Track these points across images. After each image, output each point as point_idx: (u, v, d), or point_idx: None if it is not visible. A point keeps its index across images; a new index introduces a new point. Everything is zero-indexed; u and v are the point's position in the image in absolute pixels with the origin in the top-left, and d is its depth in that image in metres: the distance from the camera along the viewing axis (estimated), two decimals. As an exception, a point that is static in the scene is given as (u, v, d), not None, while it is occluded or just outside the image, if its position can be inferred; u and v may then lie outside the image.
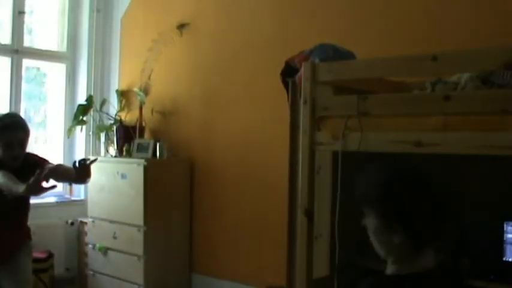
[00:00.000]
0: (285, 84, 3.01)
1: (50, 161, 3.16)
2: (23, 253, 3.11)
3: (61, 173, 3.02)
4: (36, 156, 3.17)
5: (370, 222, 1.59)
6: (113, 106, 5.31)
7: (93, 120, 5.27)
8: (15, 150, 2.90)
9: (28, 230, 3.22)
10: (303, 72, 2.64)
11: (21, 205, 3.01)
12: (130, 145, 4.78)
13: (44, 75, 5.51)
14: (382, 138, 2.41)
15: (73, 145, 5.42)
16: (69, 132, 5.16)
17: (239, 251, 4.39)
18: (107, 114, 5.29)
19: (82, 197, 5.31)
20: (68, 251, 5.08)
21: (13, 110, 4.80)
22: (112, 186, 4.60)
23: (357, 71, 2.59)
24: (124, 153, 4.80)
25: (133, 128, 4.89)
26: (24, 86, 5.10)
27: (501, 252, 2.77)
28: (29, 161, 3.04)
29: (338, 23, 3.83)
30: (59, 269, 4.86)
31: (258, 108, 4.27)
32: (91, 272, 4.82)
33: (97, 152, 5.34)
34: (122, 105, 5.24)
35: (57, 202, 5.08)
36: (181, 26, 4.80)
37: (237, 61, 4.45)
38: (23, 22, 5.03)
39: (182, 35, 4.81)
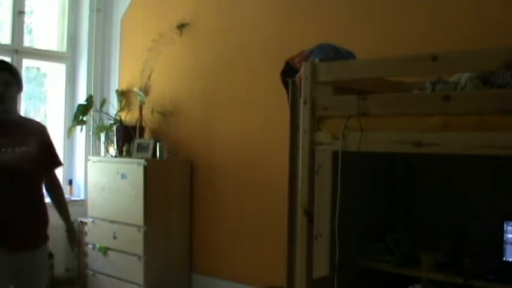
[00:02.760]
0: (285, 84, 3.01)
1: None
2: (42, 258, 2.80)
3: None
4: (40, 125, 2.93)
5: None
6: (113, 106, 5.31)
7: (93, 120, 5.27)
8: None
9: (46, 221, 2.81)
10: (303, 72, 2.63)
11: (24, 183, 2.65)
12: (130, 145, 4.78)
13: (44, 75, 5.51)
14: (382, 138, 2.41)
15: (73, 145, 5.43)
16: (69, 132, 5.16)
17: (239, 251, 4.38)
18: (107, 114, 5.29)
19: (82, 197, 5.31)
20: (68, 251, 5.05)
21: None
22: (112, 186, 4.60)
23: (357, 71, 2.59)
24: (124, 153, 4.80)
25: (134, 128, 4.89)
26: (24, 86, 5.08)
27: (501, 252, 2.77)
28: (28, 121, 2.87)
29: (338, 23, 3.83)
30: (59, 269, 4.86)
31: (258, 108, 4.27)
32: (91, 272, 4.82)
33: (97, 152, 5.34)
34: (122, 105, 5.24)
35: (57, 202, 5.07)
36: (181, 26, 4.80)
37: (237, 61, 4.45)
38: (23, 22, 5.03)
39: (182, 35, 4.81)
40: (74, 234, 2.98)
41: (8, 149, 2.59)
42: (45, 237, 2.82)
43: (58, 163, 2.95)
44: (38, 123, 2.99)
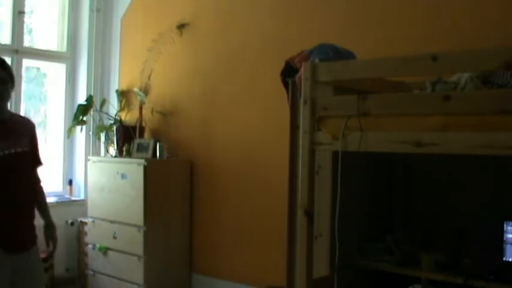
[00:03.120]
0: (285, 84, 3.01)
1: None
2: (38, 256, 2.84)
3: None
4: (31, 123, 2.92)
5: None
6: (113, 106, 5.31)
7: (93, 120, 5.27)
8: None
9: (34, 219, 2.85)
10: (303, 72, 2.64)
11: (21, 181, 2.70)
12: (130, 145, 4.78)
13: (44, 75, 5.51)
14: (382, 138, 2.42)
15: (73, 145, 5.42)
16: (69, 132, 5.16)
17: (239, 251, 4.38)
18: (107, 114, 5.29)
19: (82, 197, 5.31)
20: (68, 251, 5.08)
21: (13, 110, 4.77)
22: (112, 186, 4.60)
23: (357, 71, 2.59)
24: (124, 153, 4.80)
25: (134, 128, 4.89)
26: (24, 86, 5.11)
27: (501, 252, 2.77)
28: (20, 119, 2.87)
29: (338, 23, 3.83)
30: (59, 269, 4.86)
31: (258, 108, 4.27)
32: (91, 272, 4.82)
33: (97, 152, 5.34)
34: (122, 105, 5.24)
35: (57, 202, 5.07)
36: (181, 26, 4.80)
37: (237, 61, 4.45)
38: (23, 22, 5.03)
39: (182, 35, 4.81)
40: (54, 231, 2.96)
41: (5, 151, 2.60)
42: (36, 236, 2.85)
43: (40, 162, 2.95)
44: (29, 121, 2.99)
